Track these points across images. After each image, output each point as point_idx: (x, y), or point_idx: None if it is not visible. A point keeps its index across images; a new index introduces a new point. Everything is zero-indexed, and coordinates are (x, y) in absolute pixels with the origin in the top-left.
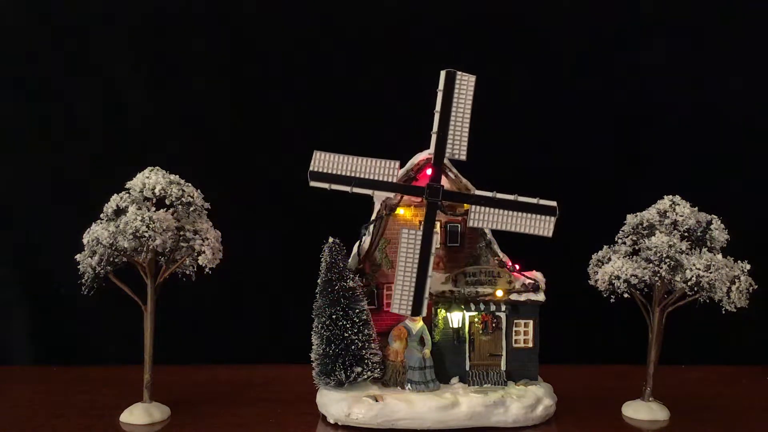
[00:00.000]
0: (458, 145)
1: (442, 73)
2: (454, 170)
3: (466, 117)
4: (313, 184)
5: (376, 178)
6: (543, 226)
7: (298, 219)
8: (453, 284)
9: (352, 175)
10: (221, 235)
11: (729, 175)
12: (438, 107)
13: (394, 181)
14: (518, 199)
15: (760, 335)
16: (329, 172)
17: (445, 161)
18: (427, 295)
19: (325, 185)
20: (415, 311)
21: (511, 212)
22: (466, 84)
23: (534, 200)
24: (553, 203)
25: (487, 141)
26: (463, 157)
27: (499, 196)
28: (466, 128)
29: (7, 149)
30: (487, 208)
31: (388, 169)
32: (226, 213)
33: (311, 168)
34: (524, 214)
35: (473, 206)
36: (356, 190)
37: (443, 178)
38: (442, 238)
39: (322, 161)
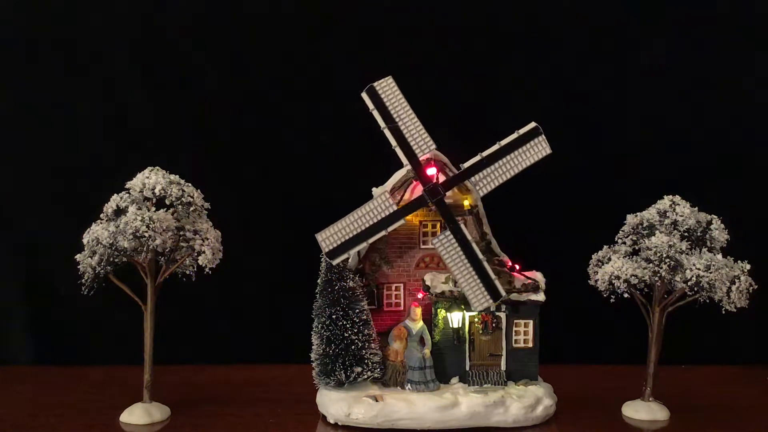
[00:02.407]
0: (422, 141)
1: (364, 95)
2: (454, 169)
3: (410, 113)
4: (335, 261)
5: (380, 218)
6: (539, 149)
7: (298, 219)
8: (453, 284)
9: (360, 231)
10: (221, 235)
11: (729, 175)
12: (382, 124)
13: (396, 208)
14: (503, 144)
15: (760, 335)
16: (340, 243)
17: (444, 159)
18: (494, 277)
19: (345, 255)
20: (495, 296)
21: (505, 159)
22: (388, 87)
23: (515, 135)
24: (533, 124)
25: (487, 140)
26: (433, 146)
27: (485, 153)
28: (417, 122)
29: (7, 149)
30: (485, 171)
31: (385, 203)
32: (226, 213)
33: (324, 251)
34: (517, 152)
35: (473, 177)
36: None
37: (441, 176)
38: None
39: (328, 239)
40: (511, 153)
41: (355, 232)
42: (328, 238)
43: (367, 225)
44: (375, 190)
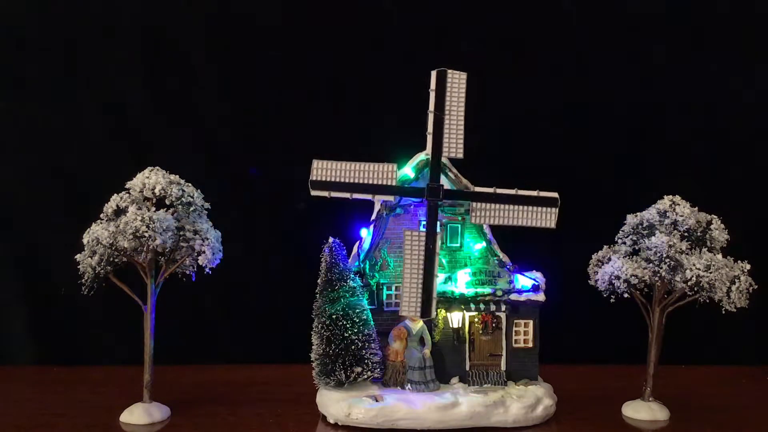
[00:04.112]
0: (455, 144)
1: (433, 73)
2: (454, 170)
3: (461, 114)
4: (314, 193)
5: (375, 182)
6: (546, 218)
7: (298, 219)
8: (453, 284)
9: (351, 181)
10: (221, 235)
11: (729, 175)
12: (431, 107)
13: (393, 183)
14: (518, 193)
15: (760, 335)
16: (329, 180)
17: (444, 161)
18: (435, 296)
19: (326, 193)
20: (424, 313)
21: (512, 207)
22: (457, 82)
23: (534, 193)
24: (554, 194)
25: (487, 141)
26: (461, 155)
27: (499, 191)
28: (461, 126)
29: (7, 149)
30: (488, 204)
31: (387, 173)
32: (226, 213)
33: (311, 177)
34: (526, 208)
35: (474, 203)
36: (356, 196)
37: (443, 177)
38: (441, 237)
39: (322, 169)
40: (520, 206)
41: (344, 179)
42: (321, 168)
43: (360, 181)
44: None
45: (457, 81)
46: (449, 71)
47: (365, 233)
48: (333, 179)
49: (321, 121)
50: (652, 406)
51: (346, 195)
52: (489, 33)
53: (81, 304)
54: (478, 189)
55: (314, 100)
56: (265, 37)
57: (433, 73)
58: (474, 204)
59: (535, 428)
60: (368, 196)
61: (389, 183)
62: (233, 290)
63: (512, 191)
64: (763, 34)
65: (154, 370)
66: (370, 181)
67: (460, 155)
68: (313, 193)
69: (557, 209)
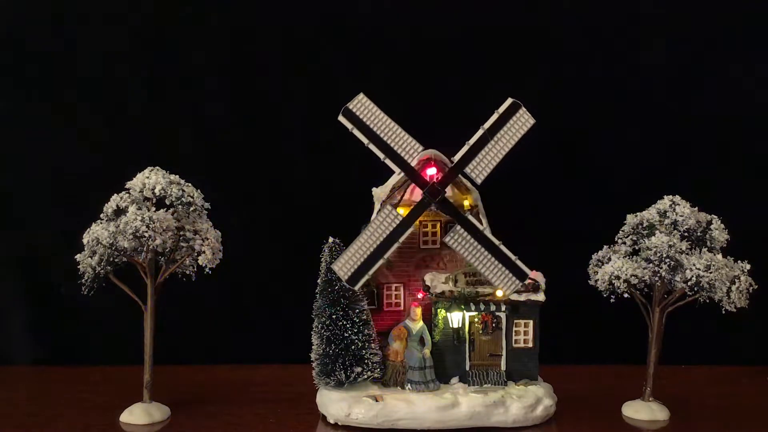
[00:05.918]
0: (481, 168)
1: (508, 100)
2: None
3: (504, 149)
4: (341, 119)
5: (395, 148)
6: (506, 283)
7: (297, 219)
8: (453, 284)
9: (377, 133)
10: (221, 235)
11: (729, 175)
12: (487, 125)
13: (408, 160)
14: (500, 247)
15: (760, 335)
16: (361, 118)
17: (444, 160)
18: (371, 272)
19: (350, 126)
20: (351, 281)
21: (486, 253)
22: (522, 122)
23: (512, 256)
24: (528, 272)
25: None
26: (479, 181)
27: (486, 233)
28: (498, 159)
29: (7, 149)
30: (469, 236)
31: (411, 149)
32: (226, 213)
33: (348, 105)
34: (496, 263)
35: (458, 226)
36: (372, 147)
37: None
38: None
39: (361, 105)
40: (493, 258)
41: (373, 127)
42: (362, 104)
43: (384, 138)
44: (375, 190)
45: (523, 120)
46: (522, 108)
47: None
48: (364, 120)
49: (323, 121)
50: (652, 406)
51: (364, 140)
52: (489, 28)
53: (81, 304)
54: (470, 217)
55: (316, 99)
56: (266, 35)
57: (508, 100)
58: (457, 227)
59: (535, 428)
60: (380, 155)
61: (405, 158)
62: (233, 290)
63: (497, 241)
64: (763, 32)
65: (154, 370)
66: (392, 145)
67: (479, 181)
68: (340, 119)
69: (521, 284)
